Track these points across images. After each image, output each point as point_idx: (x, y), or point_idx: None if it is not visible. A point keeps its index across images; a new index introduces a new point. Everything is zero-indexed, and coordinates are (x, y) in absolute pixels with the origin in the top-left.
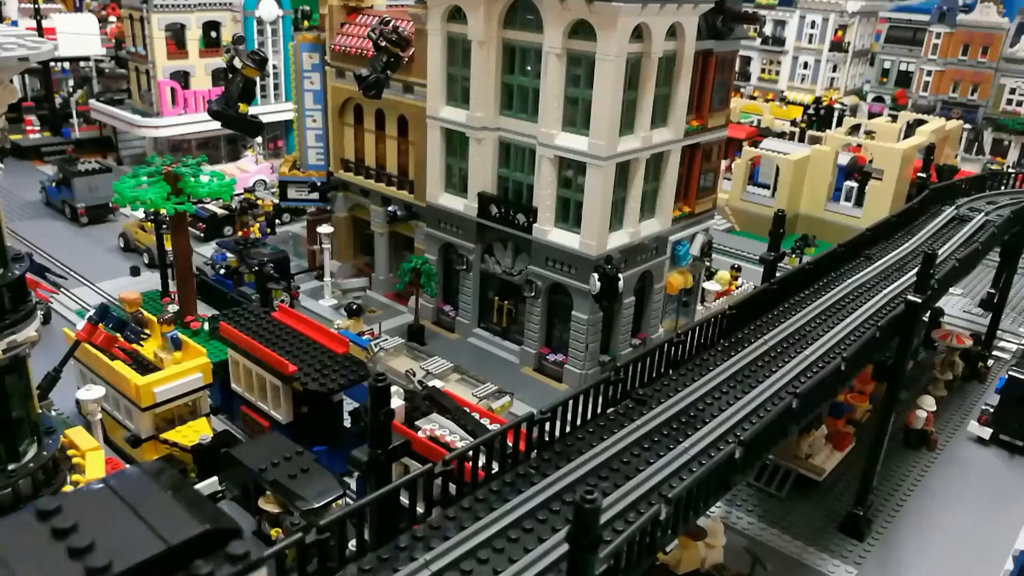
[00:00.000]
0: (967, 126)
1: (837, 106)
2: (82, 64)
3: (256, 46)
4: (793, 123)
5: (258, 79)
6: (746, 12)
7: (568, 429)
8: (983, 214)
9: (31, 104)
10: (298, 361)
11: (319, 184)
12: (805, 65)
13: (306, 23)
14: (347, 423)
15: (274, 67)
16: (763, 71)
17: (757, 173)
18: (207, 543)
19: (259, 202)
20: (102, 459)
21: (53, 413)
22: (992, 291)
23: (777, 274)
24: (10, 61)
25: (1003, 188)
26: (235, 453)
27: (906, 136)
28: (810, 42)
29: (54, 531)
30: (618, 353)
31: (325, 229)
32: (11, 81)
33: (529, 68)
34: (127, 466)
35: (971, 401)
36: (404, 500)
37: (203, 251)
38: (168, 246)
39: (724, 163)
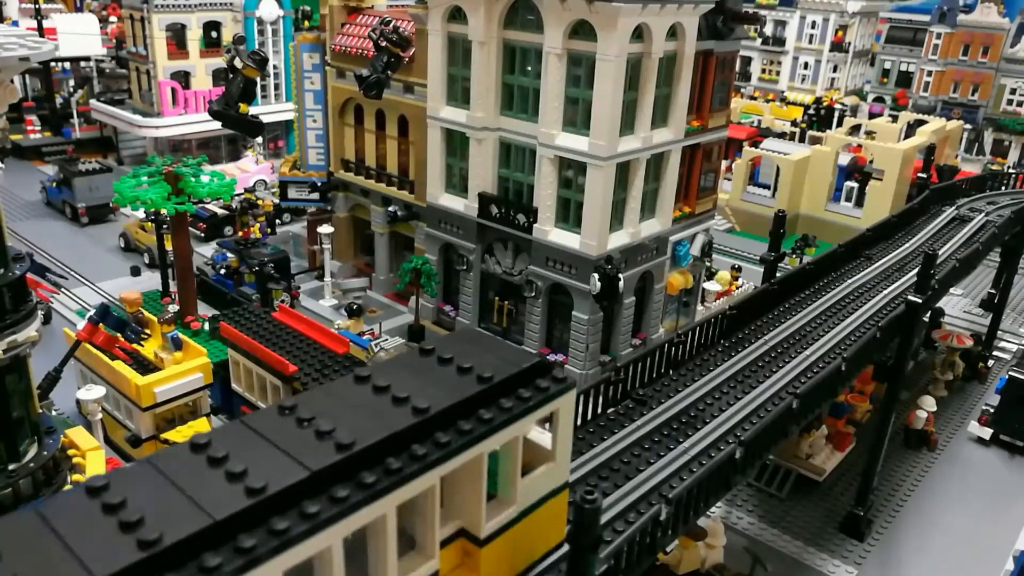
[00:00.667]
0: (967, 126)
1: (837, 106)
2: (83, 64)
3: (256, 46)
4: (793, 123)
5: (258, 79)
6: (746, 12)
7: None
8: (983, 214)
9: (32, 104)
10: (298, 361)
11: (319, 184)
12: (805, 65)
13: (306, 23)
14: None
15: (274, 67)
16: (763, 71)
17: (757, 173)
18: (538, 371)
19: (259, 202)
20: (102, 459)
21: (54, 413)
22: (992, 291)
23: (777, 274)
24: (11, 61)
25: (1003, 188)
26: None
27: (906, 136)
28: (810, 42)
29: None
30: (618, 353)
31: (325, 229)
32: (12, 81)
33: (529, 68)
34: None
35: (971, 401)
36: None
37: (203, 251)
38: (168, 246)
39: (724, 163)
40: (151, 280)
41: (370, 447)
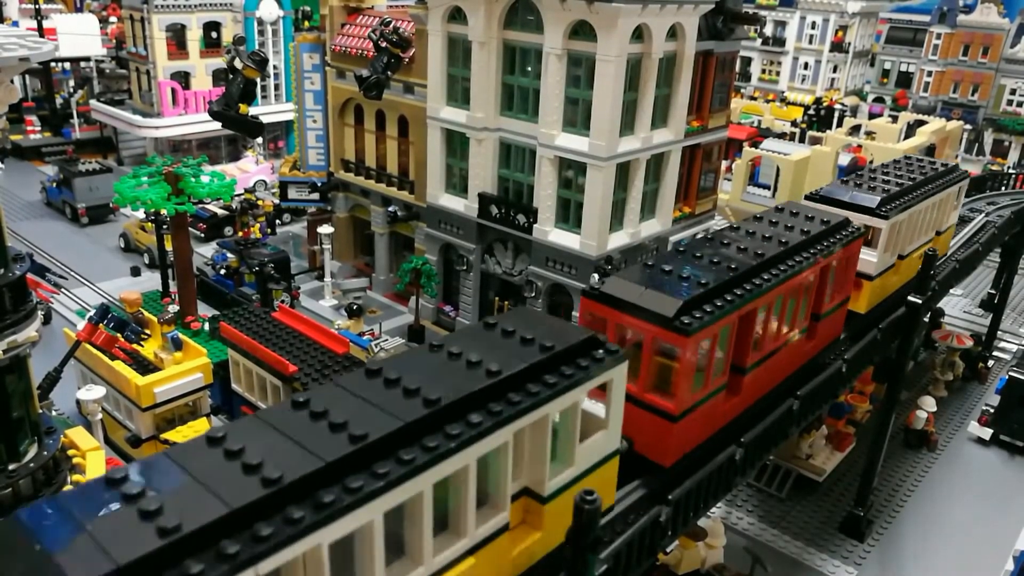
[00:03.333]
0: (967, 127)
1: (837, 107)
2: (83, 64)
3: (257, 47)
4: (793, 124)
5: (259, 80)
6: (746, 13)
7: None
8: (983, 215)
9: (32, 104)
10: (298, 361)
11: (319, 184)
12: (805, 66)
13: (306, 24)
14: None
15: (274, 67)
16: (763, 72)
17: (757, 174)
18: (592, 343)
19: (259, 202)
20: (102, 459)
21: (54, 413)
22: (992, 292)
23: None
24: (11, 61)
25: (1003, 189)
26: None
27: (906, 137)
28: (810, 43)
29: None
30: None
31: (325, 229)
32: (12, 81)
33: (529, 69)
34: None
35: (971, 402)
36: None
37: (203, 251)
38: (168, 246)
39: (724, 164)
40: (151, 280)
41: (453, 403)
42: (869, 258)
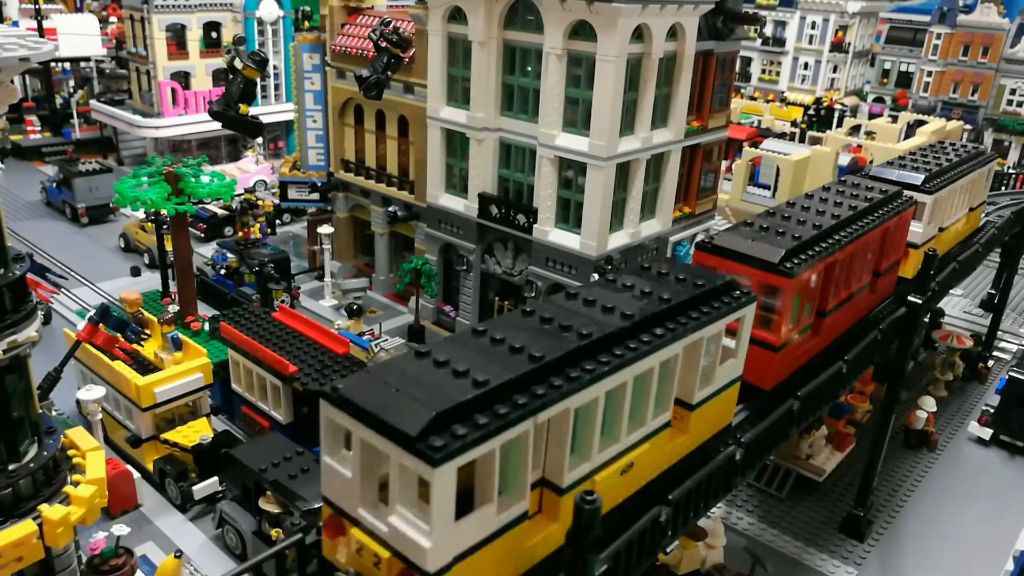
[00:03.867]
0: (967, 127)
1: (837, 107)
2: (83, 64)
3: (257, 47)
4: (793, 124)
5: (259, 80)
6: (746, 13)
7: None
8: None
9: (32, 104)
10: (298, 361)
11: (319, 184)
12: (805, 66)
13: (306, 24)
14: None
15: (274, 68)
16: (763, 72)
17: (757, 174)
18: (729, 286)
19: (259, 202)
20: (102, 459)
21: (54, 413)
22: (992, 292)
23: None
24: (11, 61)
25: (1003, 189)
26: (235, 453)
27: (906, 137)
28: (810, 43)
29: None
30: None
31: (325, 229)
32: (12, 81)
33: (529, 69)
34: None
35: (971, 402)
36: None
37: (203, 251)
38: (168, 246)
39: (724, 164)
40: (151, 280)
41: (643, 319)
42: (916, 229)
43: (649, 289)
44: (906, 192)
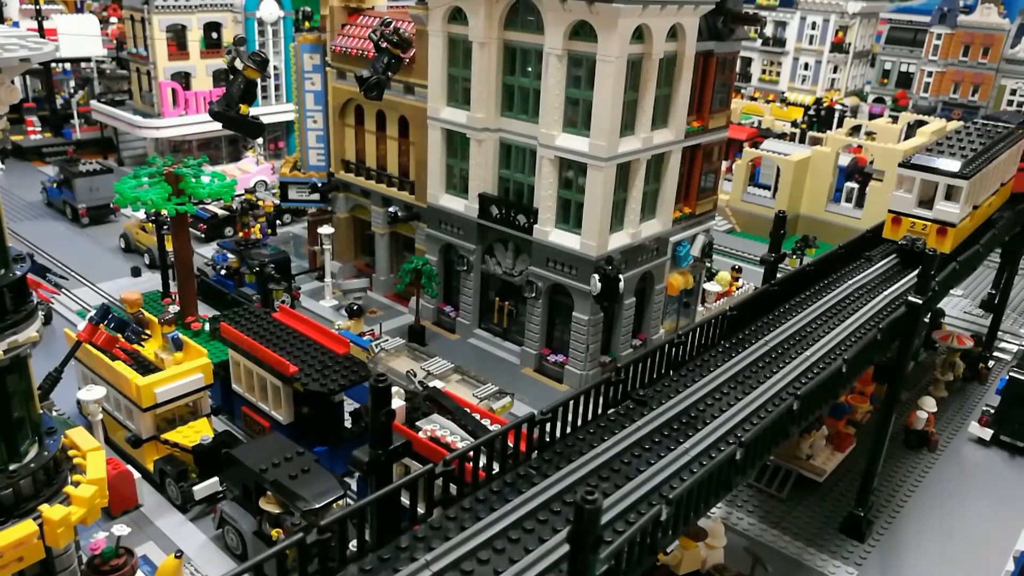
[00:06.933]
0: None
1: (838, 107)
2: (83, 65)
3: (257, 47)
4: (794, 124)
5: (259, 80)
6: (747, 13)
7: (569, 430)
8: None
9: (32, 105)
10: (299, 362)
11: (320, 185)
12: (806, 66)
13: (307, 24)
14: (348, 423)
15: (275, 68)
16: (764, 72)
17: (758, 174)
18: None
19: (260, 203)
20: (103, 459)
21: (54, 413)
22: (993, 292)
23: (778, 275)
24: (12, 62)
25: None
26: (236, 453)
27: (907, 137)
28: (811, 43)
29: None
30: (619, 354)
31: (326, 230)
32: (12, 82)
33: (530, 69)
34: None
35: (972, 402)
36: (405, 500)
37: (204, 252)
38: (169, 247)
39: (725, 164)
40: (151, 281)
41: None
42: (952, 210)
43: None
44: (944, 179)
